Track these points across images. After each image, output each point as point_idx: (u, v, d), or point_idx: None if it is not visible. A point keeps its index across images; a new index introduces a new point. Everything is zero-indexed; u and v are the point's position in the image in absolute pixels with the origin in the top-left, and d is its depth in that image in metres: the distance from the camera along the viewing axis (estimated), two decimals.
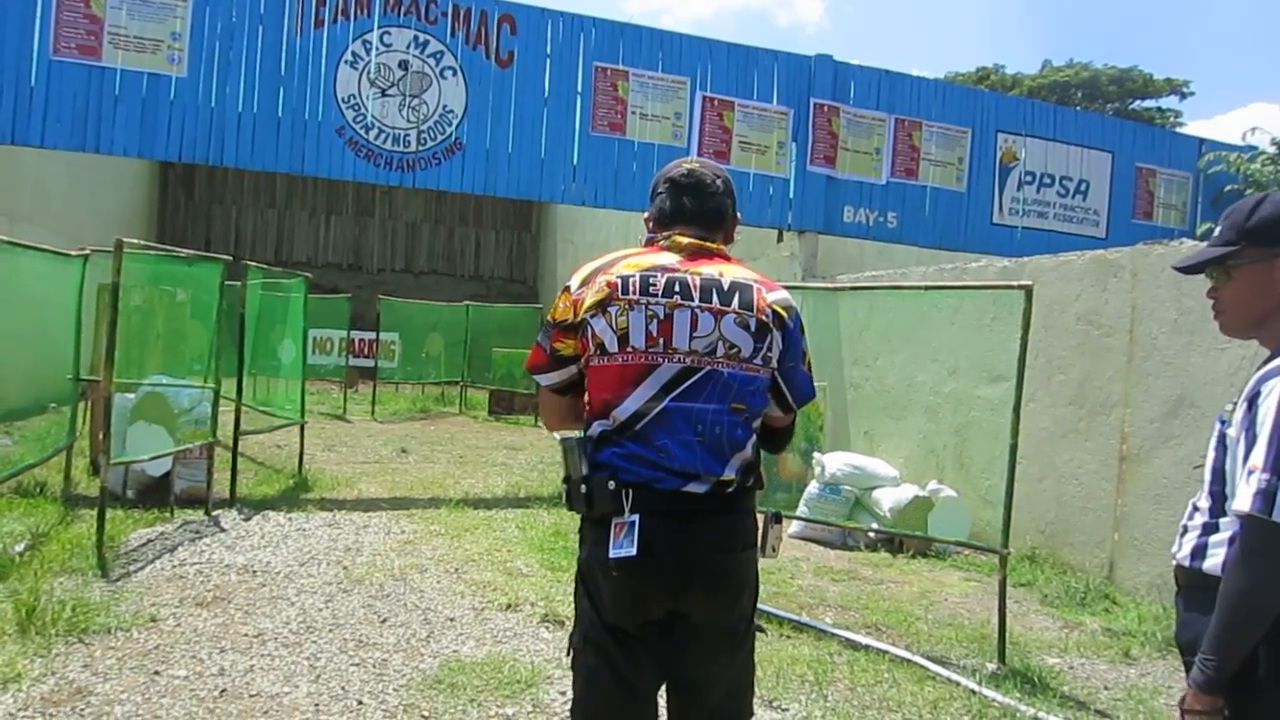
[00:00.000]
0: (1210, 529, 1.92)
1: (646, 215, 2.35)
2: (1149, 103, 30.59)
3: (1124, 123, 13.52)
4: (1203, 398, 5.69)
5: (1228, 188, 11.83)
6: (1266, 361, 1.88)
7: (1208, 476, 1.96)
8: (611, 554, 2.06)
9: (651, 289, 2.14)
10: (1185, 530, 2.00)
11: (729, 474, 2.12)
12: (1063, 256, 7.00)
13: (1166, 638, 5.05)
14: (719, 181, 2.30)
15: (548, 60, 9.20)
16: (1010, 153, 11.03)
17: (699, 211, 2.26)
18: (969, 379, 7.57)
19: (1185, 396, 5.82)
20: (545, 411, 2.39)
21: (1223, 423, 1.95)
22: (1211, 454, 1.96)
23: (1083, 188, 11.41)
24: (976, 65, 35.82)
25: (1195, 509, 1.99)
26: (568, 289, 2.22)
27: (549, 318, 2.25)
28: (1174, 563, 2.00)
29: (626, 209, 9.79)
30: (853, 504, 7.40)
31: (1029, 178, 11.15)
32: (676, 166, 2.33)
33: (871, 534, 7.09)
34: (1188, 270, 2.06)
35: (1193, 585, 1.95)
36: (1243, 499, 1.74)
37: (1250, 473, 1.74)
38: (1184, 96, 31.02)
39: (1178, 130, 24.34)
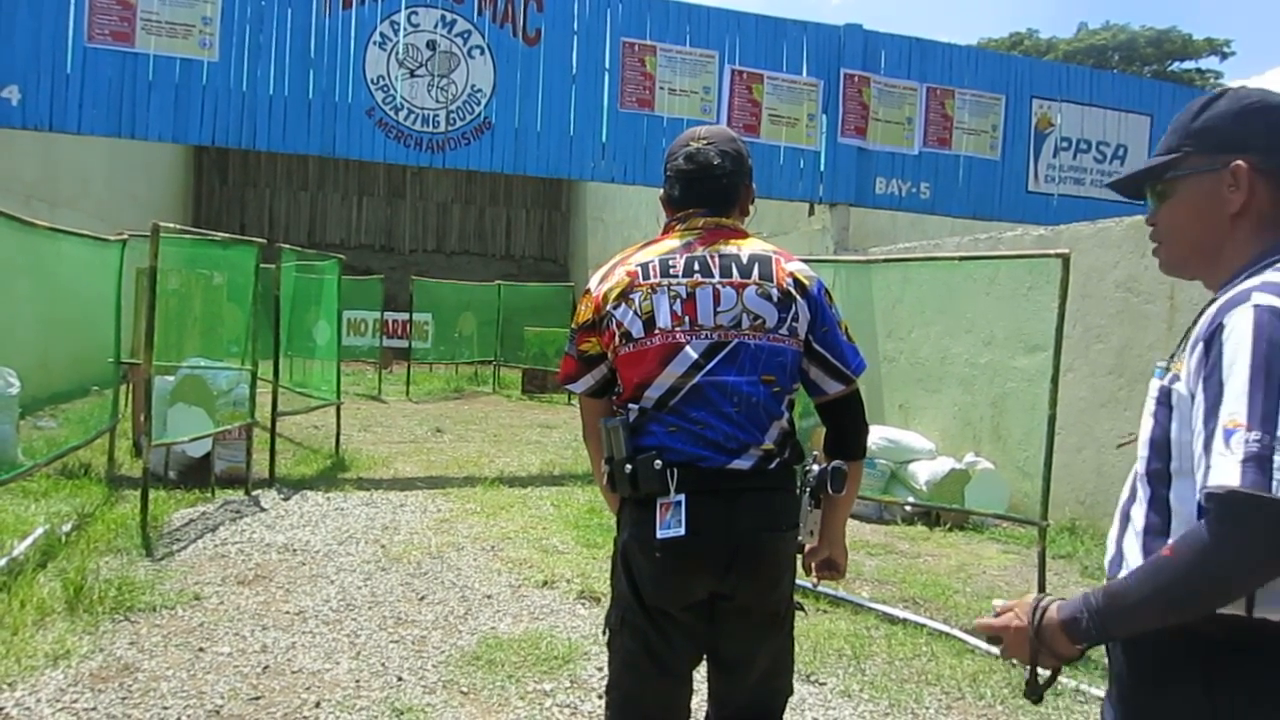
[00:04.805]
0: (1156, 529, 1.41)
1: (661, 194, 2.33)
2: (1188, 64, 30.00)
3: (1162, 84, 13.25)
4: None
5: None
6: (1221, 291, 1.39)
7: (1145, 452, 1.45)
8: (659, 534, 2.05)
9: (672, 270, 2.14)
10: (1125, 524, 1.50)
11: (768, 442, 2.11)
12: (1100, 223, 6.88)
13: None
14: (725, 161, 2.21)
15: (575, 37, 9.14)
16: (1045, 119, 10.83)
17: (706, 195, 2.23)
18: (1005, 350, 7.48)
19: None
20: (587, 424, 2.31)
21: (1162, 374, 1.43)
22: (1149, 421, 1.45)
23: (1120, 152, 11.18)
24: (1010, 30, 35.30)
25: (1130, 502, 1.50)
26: (588, 291, 2.22)
27: (573, 324, 2.24)
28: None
29: (656, 185, 9.54)
30: (888, 478, 7.35)
31: (1065, 144, 10.94)
32: (683, 146, 2.24)
33: (908, 507, 7.06)
34: (1123, 188, 1.60)
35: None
36: (1222, 471, 1.22)
37: (1228, 434, 1.23)
38: (1224, 56, 30.46)
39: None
